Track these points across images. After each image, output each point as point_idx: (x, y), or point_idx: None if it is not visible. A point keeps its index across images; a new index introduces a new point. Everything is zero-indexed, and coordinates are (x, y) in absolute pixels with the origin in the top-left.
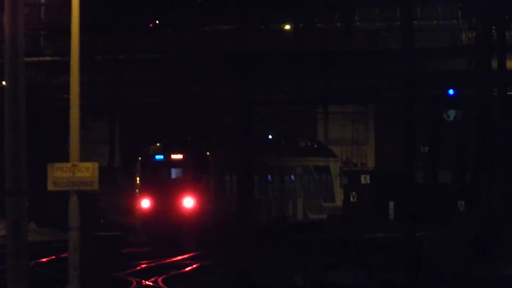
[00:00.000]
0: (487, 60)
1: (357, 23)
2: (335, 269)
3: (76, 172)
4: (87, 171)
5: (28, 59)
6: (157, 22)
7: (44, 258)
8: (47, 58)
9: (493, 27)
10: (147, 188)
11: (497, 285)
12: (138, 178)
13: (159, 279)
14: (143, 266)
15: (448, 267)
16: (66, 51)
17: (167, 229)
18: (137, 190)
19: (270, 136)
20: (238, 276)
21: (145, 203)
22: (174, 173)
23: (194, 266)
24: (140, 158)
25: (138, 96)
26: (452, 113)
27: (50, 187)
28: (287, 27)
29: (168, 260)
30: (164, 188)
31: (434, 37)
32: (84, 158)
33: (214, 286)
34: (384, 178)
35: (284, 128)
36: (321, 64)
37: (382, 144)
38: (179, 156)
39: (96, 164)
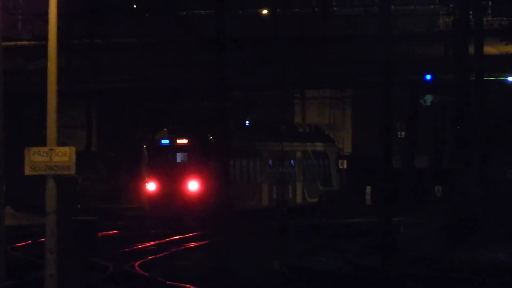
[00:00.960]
0: (464, 45)
1: (335, 8)
2: (312, 254)
3: (53, 156)
4: (64, 156)
5: (5, 43)
6: (134, 6)
7: (20, 242)
8: (24, 42)
9: (470, 13)
10: (153, 172)
11: (473, 269)
12: (144, 162)
13: (136, 264)
14: (120, 250)
15: (424, 252)
16: (43, 35)
17: (172, 211)
18: (143, 174)
19: (247, 121)
20: (214, 261)
21: (152, 186)
22: (179, 157)
23: (173, 250)
24: (146, 142)
25: (115, 81)
26: (429, 98)
27: (27, 171)
28: (265, 11)
29: (146, 244)
30: (170, 171)
31: (412, 23)
32: (61, 142)
33: (190, 271)
34: (361, 163)
35: (261, 113)
36: (298, 49)
37: (360, 129)
38: (184, 141)
39: (73, 149)
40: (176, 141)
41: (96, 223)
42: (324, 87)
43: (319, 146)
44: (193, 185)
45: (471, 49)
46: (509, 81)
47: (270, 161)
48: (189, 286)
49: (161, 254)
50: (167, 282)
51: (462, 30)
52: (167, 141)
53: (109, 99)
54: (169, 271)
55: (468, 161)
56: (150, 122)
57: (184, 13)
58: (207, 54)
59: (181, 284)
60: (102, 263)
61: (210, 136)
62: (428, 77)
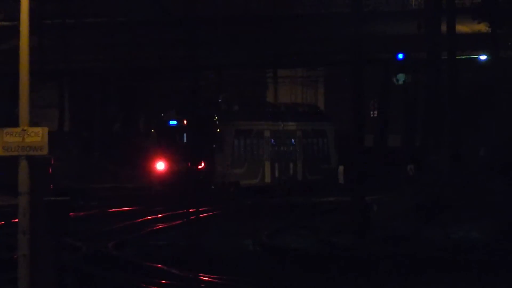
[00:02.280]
0: (437, 24)
1: None
2: (285, 233)
3: (26, 137)
4: (37, 136)
5: None
6: None
7: None
8: None
9: None
10: (161, 151)
11: (445, 247)
12: (153, 142)
13: (110, 244)
14: (93, 231)
15: (397, 230)
16: (15, 15)
17: (179, 187)
18: (152, 153)
19: (220, 100)
20: (187, 240)
21: (160, 165)
22: (186, 137)
23: (148, 229)
24: (155, 123)
25: (87, 60)
26: (401, 77)
27: (0, 152)
28: None
29: (120, 224)
30: (177, 151)
31: (384, 1)
32: (33, 123)
33: (163, 250)
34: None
35: (233, 92)
36: (270, 28)
37: (332, 108)
38: (190, 122)
39: (46, 129)
40: (183, 122)
41: (69, 203)
42: (296, 66)
43: (318, 125)
44: (198, 164)
45: (444, 28)
46: (481, 59)
47: (272, 140)
48: (161, 266)
49: (134, 234)
50: (140, 262)
51: (434, 8)
52: (174, 122)
53: (80, 78)
54: (142, 251)
55: (439, 140)
56: (121, 101)
57: None
58: (179, 34)
59: (153, 264)
60: (75, 243)
61: (215, 117)
62: (400, 56)
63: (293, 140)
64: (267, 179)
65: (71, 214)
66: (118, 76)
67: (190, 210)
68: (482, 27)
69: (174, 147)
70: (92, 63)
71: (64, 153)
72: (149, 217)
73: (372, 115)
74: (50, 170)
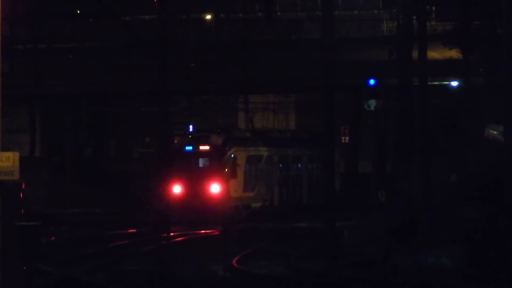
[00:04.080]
0: (408, 50)
1: (278, 13)
2: (255, 258)
3: None
4: (7, 161)
5: None
6: (78, 12)
7: None
8: None
9: (414, 18)
10: (178, 175)
11: (415, 273)
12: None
13: (80, 269)
14: (64, 256)
15: (367, 256)
16: None
17: (195, 211)
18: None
19: (190, 127)
20: (157, 265)
21: (177, 189)
22: (201, 162)
23: (119, 255)
24: (172, 149)
25: (58, 85)
26: (372, 103)
27: None
28: (208, 16)
29: (91, 250)
30: (192, 175)
31: (356, 27)
32: (4, 147)
33: (134, 276)
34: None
35: (204, 117)
36: (242, 53)
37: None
38: (206, 147)
39: (17, 154)
40: (198, 147)
41: (40, 228)
42: (268, 92)
43: (321, 150)
44: (214, 188)
45: (415, 54)
46: (452, 85)
47: (280, 165)
48: None
49: (104, 259)
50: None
51: (405, 35)
52: (190, 148)
53: (52, 103)
54: (112, 276)
55: (410, 166)
56: (92, 126)
57: (128, 18)
58: (151, 59)
59: None
60: (45, 268)
61: (228, 143)
62: (372, 81)
63: (299, 165)
64: (276, 202)
65: (42, 239)
66: (89, 101)
67: (163, 234)
68: (454, 53)
69: (190, 171)
70: (63, 88)
71: (35, 178)
72: (121, 242)
73: (343, 141)
74: (21, 195)
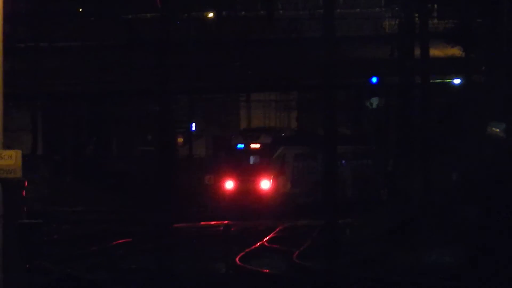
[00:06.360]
0: (410, 48)
1: (280, 11)
2: (257, 256)
3: None
4: (10, 159)
5: None
6: (79, 10)
7: None
8: None
9: (416, 15)
10: (230, 171)
11: (416, 271)
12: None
13: (82, 267)
14: (67, 253)
15: (369, 254)
16: None
17: (246, 205)
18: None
19: (193, 125)
20: (159, 263)
21: (229, 184)
22: (253, 159)
23: (121, 252)
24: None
25: (59, 84)
26: (375, 101)
27: None
28: (210, 15)
29: (93, 247)
30: (244, 171)
31: (357, 25)
32: (6, 146)
33: (134, 274)
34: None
35: (205, 116)
36: (243, 52)
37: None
38: (256, 145)
39: (20, 152)
40: (250, 145)
41: (42, 226)
42: (269, 90)
43: (364, 148)
44: (264, 184)
45: (417, 52)
46: (454, 83)
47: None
48: None
49: (108, 257)
50: (111, 286)
51: (407, 33)
52: (242, 146)
53: (53, 102)
54: (113, 274)
55: (411, 164)
56: (94, 124)
57: (129, 16)
58: (151, 57)
59: None
60: (47, 265)
61: (278, 142)
62: (374, 79)
63: (343, 161)
64: (320, 198)
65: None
66: (90, 100)
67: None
68: (456, 51)
69: (241, 168)
70: (64, 86)
71: (37, 176)
72: (122, 240)
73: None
74: (23, 193)
